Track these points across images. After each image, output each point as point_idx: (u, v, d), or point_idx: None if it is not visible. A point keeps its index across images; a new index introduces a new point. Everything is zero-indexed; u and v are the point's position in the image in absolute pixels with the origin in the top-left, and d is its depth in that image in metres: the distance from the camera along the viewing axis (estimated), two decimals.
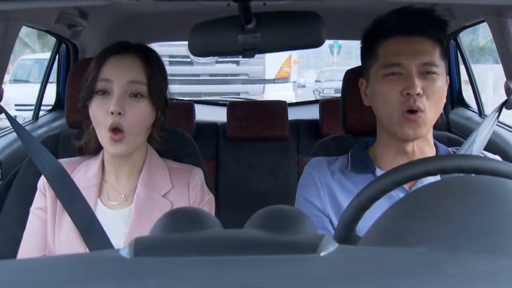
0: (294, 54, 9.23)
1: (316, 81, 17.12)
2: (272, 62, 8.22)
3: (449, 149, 1.33)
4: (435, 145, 1.30)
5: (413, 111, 1.17)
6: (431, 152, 1.28)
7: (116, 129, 1.21)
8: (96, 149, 1.33)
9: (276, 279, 0.39)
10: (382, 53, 1.23)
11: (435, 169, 0.88)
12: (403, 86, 1.18)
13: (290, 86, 8.69)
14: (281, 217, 0.54)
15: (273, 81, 8.37)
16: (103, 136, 1.23)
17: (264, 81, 8.33)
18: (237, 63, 8.17)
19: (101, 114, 1.22)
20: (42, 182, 1.33)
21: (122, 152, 1.24)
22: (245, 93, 7.78)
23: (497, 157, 1.30)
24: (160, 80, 1.30)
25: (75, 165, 1.34)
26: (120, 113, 1.20)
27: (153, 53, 1.33)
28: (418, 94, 1.16)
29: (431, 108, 1.19)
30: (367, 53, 1.28)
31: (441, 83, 1.21)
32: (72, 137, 1.41)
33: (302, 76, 25.11)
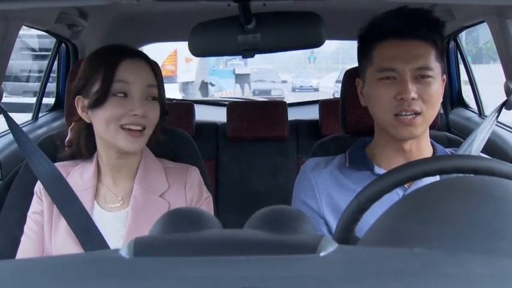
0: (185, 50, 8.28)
1: (337, 81, 15.52)
2: (152, 58, 7.38)
3: (447, 149, 1.33)
4: (432, 146, 1.30)
5: (408, 114, 1.17)
6: (429, 150, 1.28)
7: (136, 130, 1.24)
8: (90, 152, 1.33)
9: (276, 279, 0.39)
10: (376, 56, 1.22)
11: (433, 170, 0.88)
12: (397, 90, 1.17)
13: (176, 87, 7.91)
14: (281, 217, 0.53)
15: None
16: (117, 134, 1.23)
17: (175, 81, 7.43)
18: None
19: (119, 115, 1.22)
20: (39, 186, 1.32)
21: (137, 149, 1.26)
22: None
23: None
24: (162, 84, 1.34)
25: (70, 167, 1.34)
26: (143, 116, 1.23)
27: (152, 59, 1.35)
28: (413, 99, 1.16)
29: (429, 111, 1.19)
30: (362, 54, 1.28)
31: (437, 86, 1.20)
32: (58, 143, 1.40)
33: (315, 77, 23.45)
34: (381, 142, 1.29)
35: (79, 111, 1.28)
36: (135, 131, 1.23)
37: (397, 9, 1.22)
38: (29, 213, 1.32)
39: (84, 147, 1.32)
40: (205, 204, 1.34)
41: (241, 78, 16.04)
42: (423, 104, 1.17)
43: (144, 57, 1.30)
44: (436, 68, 1.20)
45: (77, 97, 1.28)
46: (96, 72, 1.25)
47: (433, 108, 1.20)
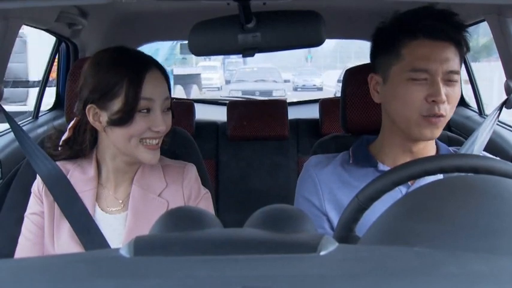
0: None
1: (339, 81, 14.89)
2: (39, 58, 5.03)
3: (450, 148, 1.33)
4: (437, 144, 1.31)
5: (436, 116, 1.17)
6: (433, 150, 1.29)
7: (154, 144, 1.25)
8: (91, 150, 1.33)
9: (276, 278, 0.38)
10: (407, 54, 1.18)
11: (434, 169, 0.88)
12: (429, 92, 1.16)
13: None
14: (281, 216, 0.53)
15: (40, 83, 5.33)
16: (138, 148, 1.24)
17: (27, 84, 5.79)
18: None
19: (141, 130, 1.22)
20: (37, 186, 1.31)
21: (157, 160, 1.27)
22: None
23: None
24: None
25: (68, 165, 1.33)
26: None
27: None
28: (444, 102, 1.16)
29: (450, 113, 1.19)
30: (386, 49, 1.23)
31: (459, 88, 1.21)
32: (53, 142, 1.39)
33: (318, 76, 22.14)
34: (388, 141, 1.28)
35: (90, 119, 1.24)
36: (154, 144, 1.24)
37: (425, 7, 1.19)
38: (26, 214, 1.31)
39: (88, 146, 1.31)
40: (204, 200, 1.34)
41: (183, 79, 14.46)
42: (448, 106, 1.18)
43: (161, 68, 1.27)
44: (459, 72, 1.20)
45: (89, 106, 1.23)
46: (118, 85, 1.20)
47: (453, 110, 1.21)
